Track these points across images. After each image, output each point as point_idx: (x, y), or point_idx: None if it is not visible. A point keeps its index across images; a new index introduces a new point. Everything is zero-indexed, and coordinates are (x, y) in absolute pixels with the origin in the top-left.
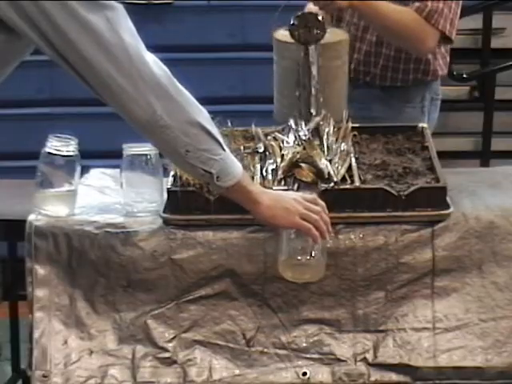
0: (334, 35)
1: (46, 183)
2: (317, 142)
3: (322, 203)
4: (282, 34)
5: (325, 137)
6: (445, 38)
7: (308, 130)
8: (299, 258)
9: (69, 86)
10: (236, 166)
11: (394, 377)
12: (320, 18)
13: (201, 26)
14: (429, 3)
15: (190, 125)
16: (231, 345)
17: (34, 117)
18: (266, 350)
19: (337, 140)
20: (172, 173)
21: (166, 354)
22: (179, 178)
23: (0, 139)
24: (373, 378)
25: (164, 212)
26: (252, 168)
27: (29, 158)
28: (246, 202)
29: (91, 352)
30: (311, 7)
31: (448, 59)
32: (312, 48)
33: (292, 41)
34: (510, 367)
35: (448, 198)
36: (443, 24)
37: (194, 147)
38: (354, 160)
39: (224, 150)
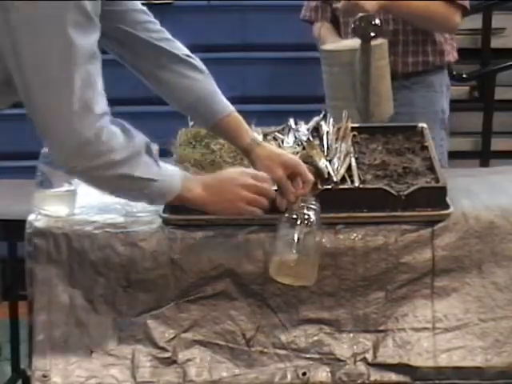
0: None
1: (46, 183)
2: (317, 142)
3: (268, 178)
4: (330, 45)
5: (325, 137)
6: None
7: (308, 129)
8: (292, 264)
9: None
10: (172, 185)
11: (393, 377)
12: (377, 20)
13: (201, 26)
14: None
15: (114, 177)
16: (231, 345)
17: None
18: (265, 349)
19: (337, 140)
20: None
21: (166, 354)
22: None
23: (0, 139)
24: (372, 378)
25: (164, 212)
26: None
27: (29, 158)
28: (189, 205)
29: (91, 352)
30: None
31: (455, 45)
32: (371, 45)
33: (341, 49)
34: (509, 367)
35: (448, 198)
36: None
37: (121, 191)
38: (353, 160)
39: (155, 180)
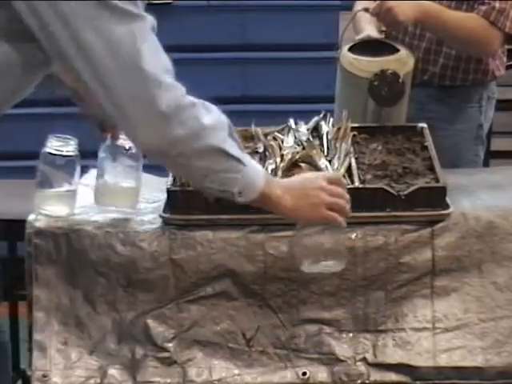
0: (401, 63)
1: (46, 183)
2: (316, 142)
3: (344, 182)
4: (349, 62)
5: (324, 137)
6: (509, 38)
7: (308, 130)
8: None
9: None
10: (258, 176)
11: (393, 377)
12: (401, 79)
13: (201, 26)
14: (496, 4)
15: (205, 150)
16: (231, 345)
17: (34, 117)
18: (265, 350)
19: (336, 140)
20: None
21: (166, 354)
22: (179, 177)
23: (0, 139)
24: (372, 378)
25: (164, 212)
26: None
27: (29, 158)
28: (269, 207)
29: (91, 352)
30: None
31: (505, 60)
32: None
33: (358, 73)
34: (509, 367)
35: (448, 198)
36: (509, 26)
37: (212, 170)
38: (353, 160)
39: (245, 164)
